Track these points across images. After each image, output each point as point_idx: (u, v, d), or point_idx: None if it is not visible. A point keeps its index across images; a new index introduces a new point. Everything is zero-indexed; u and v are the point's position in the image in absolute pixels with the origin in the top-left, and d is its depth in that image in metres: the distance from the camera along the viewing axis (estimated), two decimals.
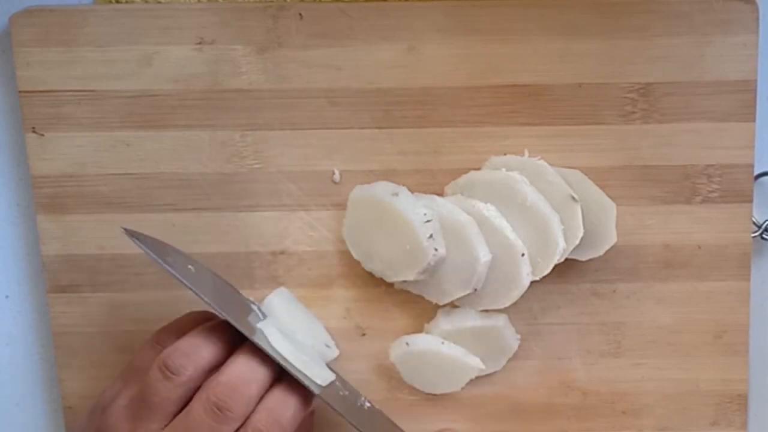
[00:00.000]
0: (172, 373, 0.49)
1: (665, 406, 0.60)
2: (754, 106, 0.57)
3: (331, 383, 0.53)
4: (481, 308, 0.57)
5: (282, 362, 0.51)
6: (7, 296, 0.61)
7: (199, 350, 0.50)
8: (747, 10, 0.56)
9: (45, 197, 0.57)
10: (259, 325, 0.52)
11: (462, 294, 0.55)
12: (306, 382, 0.51)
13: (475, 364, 0.57)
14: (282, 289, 0.58)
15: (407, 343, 0.57)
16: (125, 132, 0.57)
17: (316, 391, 0.51)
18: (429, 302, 0.57)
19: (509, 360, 0.59)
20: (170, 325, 0.54)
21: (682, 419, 0.60)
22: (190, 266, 0.53)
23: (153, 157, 0.57)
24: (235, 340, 0.52)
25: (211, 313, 0.53)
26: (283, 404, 0.50)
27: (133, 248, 0.58)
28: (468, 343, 0.57)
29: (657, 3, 0.56)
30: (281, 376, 0.52)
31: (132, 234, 0.51)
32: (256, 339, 0.51)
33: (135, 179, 0.57)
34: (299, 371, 0.51)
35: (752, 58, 0.56)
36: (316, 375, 0.52)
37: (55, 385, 0.61)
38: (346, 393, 0.55)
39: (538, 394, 0.60)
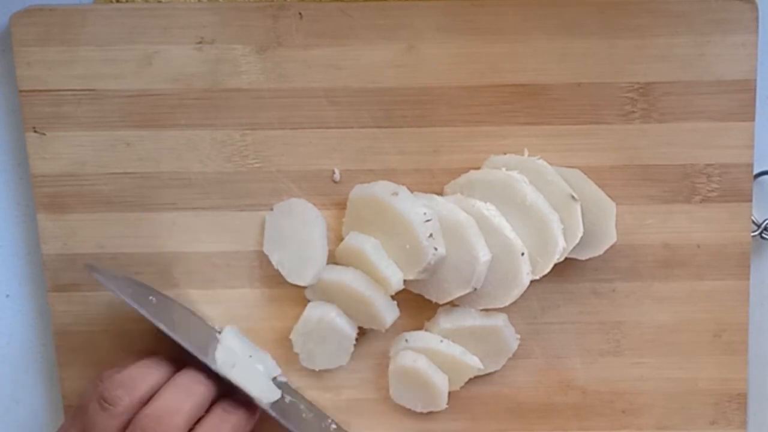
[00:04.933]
0: (109, 404, 0.51)
1: (664, 405, 0.60)
2: (754, 106, 0.57)
3: (291, 404, 0.56)
4: (481, 307, 0.57)
5: (235, 377, 0.53)
6: (7, 295, 0.61)
7: (135, 381, 0.52)
8: (746, 10, 0.56)
9: (45, 196, 0.57)
10: (218, 337, 0.55)
11: (462, 293, 0.55)
12: (254, 393, 0.53)
13: (473, 363, 0.57)
14: (231, 328, 0.58)
15: (406, 340, 0.57)
16: (125, 131, 0.57)
17: (266, 401, 0.54)
18: (429, 301, 0.57)
19: (509, 359, 0.59)
20: (116, 370, 0.54)
21: (681, 418, 0.60)
22: (151, 297, 0.55)
23: (153, 156, 0.57)
24: (173, 372, 0.53)
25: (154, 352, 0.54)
26: (217, 429, 0.52)
27: (133, 247, 0.58)
28: (468, 342, 0.57)
29: (656, 3, 0.56)
30: (216, 401, 0.53)
31: (93, 269, 0.53)
32: (208, 359, 0.53)
33: (135, 178, 0.57)
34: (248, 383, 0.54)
35: (751, 58, 0.56)
36: (264, 390, 0.54)
37: (55, 384, 0.61)
38: (311, 415, 0.57)
39: (538, 393, 0.60)
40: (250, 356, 0.56)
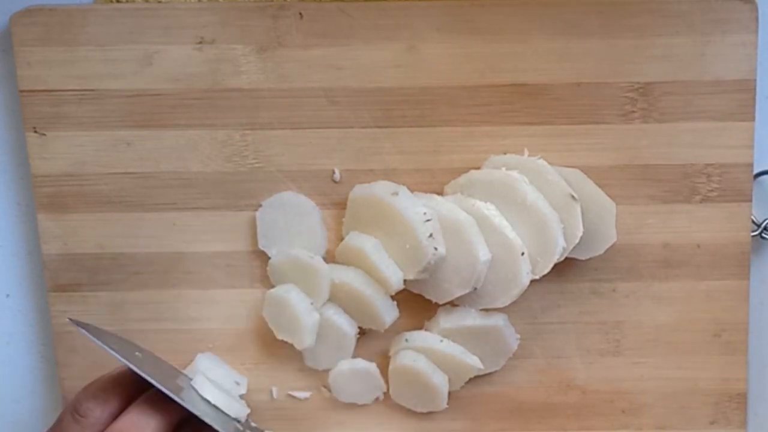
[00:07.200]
0: (81, 416, 0.51)
1: (664, 405, 0.60)
2: (753, 106, 0.57)
3: None
4: (481, 307, 0.57)
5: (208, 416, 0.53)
6: (7, 295, 0.61)
7: (107, 395, 0.52)
8: (746, 10, 0.56)
9: (46, 196, 0.58)
10: (191, 383, 0.55)
11: (462, 293, 0.55)
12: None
13: (473, 363, 0.57)
14: (207, 354, 0.59)
15: (406, 340, 0.57)
16: (126, 131, 0.57)
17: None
18: (429, 301, 0.57)
19: (509, 359, 0.59)
20: (91, 384, 0.54)
21: (681, 418, 0.60)
22: (137, 353, 0.55)
23: (153, 156, 0.57)
24: (148, 387, 0.52)
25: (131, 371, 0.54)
26: None
27: (133, 247, 0.58)
28: (468, 342, 0.57)
29: (656, 3, 0.56)
30: (182, 425, 0.53)
31: (78, 324, 0.53)
32: (186, 403, 0.52)
33: (135, 178, 0.57)
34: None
35: (751, 58, 0.56)
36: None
37: (55, 383, 0.61)
38: None
39: (538, 393, 0.60)
40: (223, 399, 0.56)
